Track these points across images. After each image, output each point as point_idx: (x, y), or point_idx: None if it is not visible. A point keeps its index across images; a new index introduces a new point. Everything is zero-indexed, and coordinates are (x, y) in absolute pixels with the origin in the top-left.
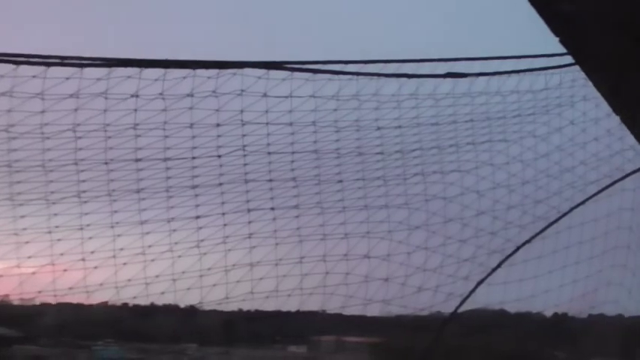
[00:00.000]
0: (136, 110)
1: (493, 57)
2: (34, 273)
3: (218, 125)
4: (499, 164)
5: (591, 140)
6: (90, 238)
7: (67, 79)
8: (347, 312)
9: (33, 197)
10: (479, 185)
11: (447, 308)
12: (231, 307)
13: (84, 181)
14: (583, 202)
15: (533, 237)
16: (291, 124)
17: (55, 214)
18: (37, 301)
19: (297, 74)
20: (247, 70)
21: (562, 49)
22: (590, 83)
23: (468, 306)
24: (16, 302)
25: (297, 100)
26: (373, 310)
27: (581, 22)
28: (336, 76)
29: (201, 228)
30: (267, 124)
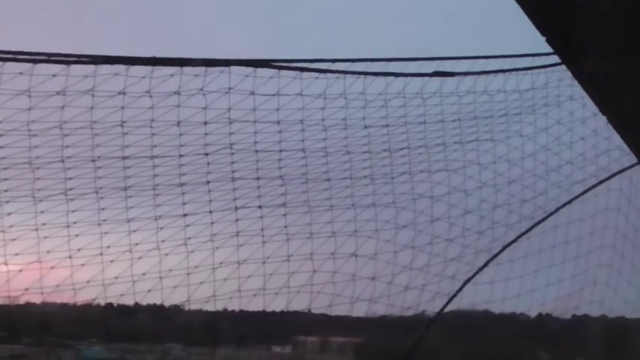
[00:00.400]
0: (122, 108)
1: (480, 56)
2: (20, 270)
3: (205, 123)
4: (486, 163)
5: (578, 140)
6: (77, 235)
7: (54, 76)
8: (332, 312)
9: (19, 195)
10: (466, 184)
11: (434, 307)
12: (216, 306)
13: (71, 178)
14: (569, 202)
15: (519, 236)
16: (278, 122)
17: (42, 212)
18: (22, 301)
19: (284, 72)
20: (235, 68)
21: (549, 49)
22: (576, 83)
23: (453, 306)
24: (0, 301)
25: (284, 99)
26: (358, 311)
27: (567, 22)
28: (323, 75)
29: (188, 226)
30: (254, 122)
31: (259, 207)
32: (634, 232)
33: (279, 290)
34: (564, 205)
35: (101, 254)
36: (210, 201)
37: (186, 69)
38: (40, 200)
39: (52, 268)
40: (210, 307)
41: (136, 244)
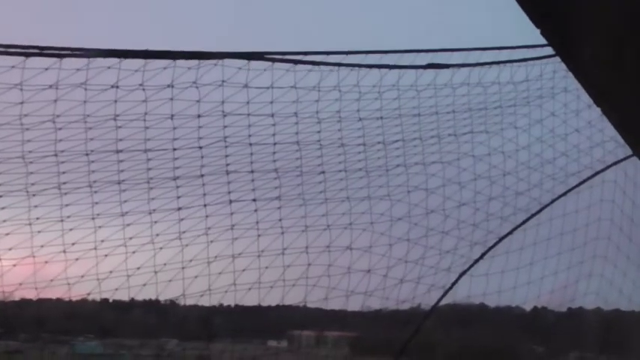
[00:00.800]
0: (116, 101)
1: (474, 48)
2: (14, 265)
3: (199, 116)
4: (480, 155)
5: (572, 132)
6: (71, 229)
7: (46, 69)
8: (328, 306)
9: (12, 189)
10: (460, 177)
11: (429, 300)
12: (212, 301)
13: (64, 172)
14: (564, 194)
15: (514, 229)
16: (272, 115)
17: (36, 206)
18: (17, 297)
19: (277, 65)
20: (228, 61)
21: (543, 41)
22: (570, 74)
23: (448, 299)
24: None
25: (278, 91)
26: (354, 305)
27: (562, 13)
28: (317, 67)
29: (182, 219)
30: (248, 115)
31: (254, 200)
32: (629, 223)
33: (274, 284)
34: (559, 197)
35: (95, 248)
36: (204, 194)
37: (179, 62)
38: (34, 194)
39: (46, 262)
40: (205, 302)
41: (131, 238)
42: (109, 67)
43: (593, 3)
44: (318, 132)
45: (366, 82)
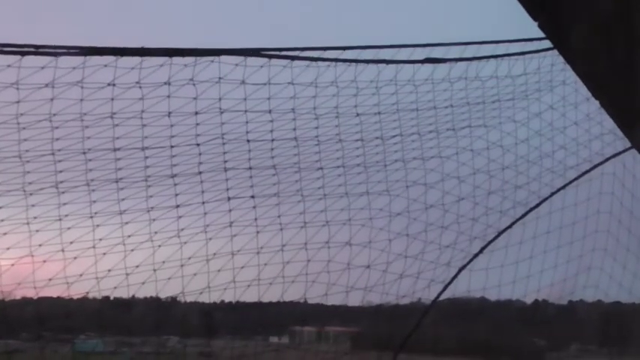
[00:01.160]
0: (112, 99)
1: (471, 42)
2: (12, 265)
3: (196, 113)
4: (479, 149)
5: (571, 125)
6: (69, 228)
7: (42, 68)
8: (328, 302)
9: (10, 188)
10: (459, 171)
11: (429, 295)
12: (212, 298)
13: (61, 171)
14: (563, 187)
15: (513, 222)
16: (269, 111)
17: (33, 205)
18: (18, 296)
19: (274, 61)
20: (224, 58)
21: (540, 34)
22: (568, 67)
23: (448, 293)
24: None
25: (275, 87)
26: (354, 300)
27: (559, 5)
28: (314, 63)
29: (181, 217)
30: (245, 111)
31: (252, 197)
32: (628, 216)
33: (273, 280)
34: (558, 190)
35: (94, 247)
36: (202, 192)
37: (176, 59)
38: (31, 194)
39: (44, 261)
40: (205, 299)
41: (129, 236)
42: (105, 65)
43: None
44: (316, 128)
45: (363, 77)
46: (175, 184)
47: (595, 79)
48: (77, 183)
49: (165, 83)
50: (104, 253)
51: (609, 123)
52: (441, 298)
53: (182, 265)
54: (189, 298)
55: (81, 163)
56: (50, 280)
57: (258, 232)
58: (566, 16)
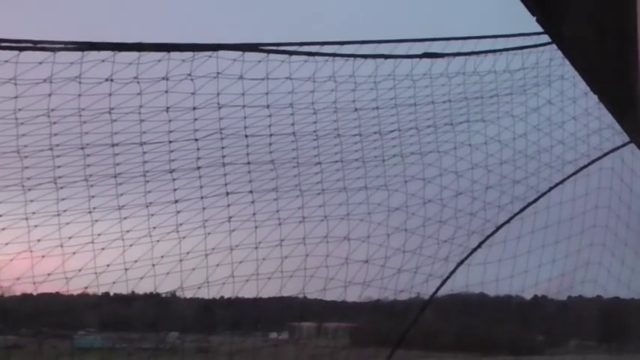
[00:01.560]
0: (110, 94)
1: (469, 37)
2: (11, 260)
3: (194, 108)
4: (477, 144)
5: (569, 119)
6: (67, 223)
7: (40, 63)
8: (327, 297)
9: (8, 184)
10: (457, 166)
11: (427, 290)
12: (212, 294)
13: (60, 166)
14: (561, 182)
15: (512, 217)
16: (267, 106)
17: (31, 201)
18: (17, 292)
19: (272, 56)
20: (222, 53)
21: (539, 28)
22: (567, 62)
23: (447, 289)
24: None
25: (273, 83)
26: (353, 296)
27: (557, 1)
28: (312, 58)
29: (179, 212)
30: (243, 106)
31: (250, 192)
32: (627, 210)
33: (272, 275)
34: (556, 185)
35: (92, 242)
36: (201, 187)
37: (174, 54)
38: (29, 189)
39: (42, 257)
40: (205, 294)
41: (128, 231)
42: (102, 61)
43: None
44: (314, 123)
45: (361, 72)
46: (174, 179)
47: (593, 74)
48: (76, 178)
49: (162, 78)
50: (103, 248)
51: (608, 118)
52: (440, 293)
53: (181, 260)
54: (188, 293)
55: (79, 159)
56: (49, 275)
57: (256, 227)
58: (564, 10)
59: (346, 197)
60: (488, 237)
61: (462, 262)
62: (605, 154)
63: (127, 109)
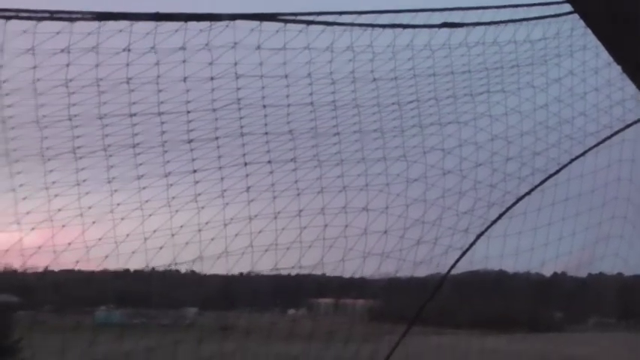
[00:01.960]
0: (128, 65)
1: (489, 6)
2: (32, 229)
3: (212, 79)
4: (497, 115)
5: (591, 90)
6: (87, 193)
7: (58, 33)
8: (345, 274)
9: (28, 154)
10: (477, 137)
11: (447, 262)
12: (231, 270)
13: (78, 136)
14: (583, 154)
15: (532, 189)
16: (285, 76)
17: (51, 171)
18: (40, 268)
19: (290, 26)
20: (240, 23)
21: None
22: (589, 32)
23: (466, 263)
24: (19, 270)
25: (291, 52)
26: (371, 270)
27: None
28: (330, 27)
29: (198, 182)
30: (261, 76)
31: (269, 162)
32: None
33: (290, 245)
34: (577, 157)
35: (112, 212)
36: (219, 157)
37: (191, 24)
38: (49, 159)
39: (63, 226)
40: (223, 271)
41: (147, 201)
42: (120, 31)
43: None
44: (333, 93)
45: (379, 42)
46: (192, 150)
47: (616, 44)
48: (94, 148)
49: (180, 48)
50: (122, 218)
51: (631, 88)
52: (459, 271)
53: (200, 230)
54: (208, 264)
55: (98, 129)
56: (70, 244)
57: (275, 198)
58: None
59: (365, 168)
60: (508, 209)
61: (481, 233)
62: (628, 126)
63: (144, 79)
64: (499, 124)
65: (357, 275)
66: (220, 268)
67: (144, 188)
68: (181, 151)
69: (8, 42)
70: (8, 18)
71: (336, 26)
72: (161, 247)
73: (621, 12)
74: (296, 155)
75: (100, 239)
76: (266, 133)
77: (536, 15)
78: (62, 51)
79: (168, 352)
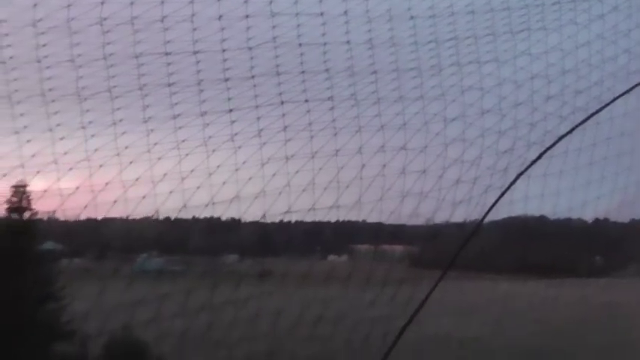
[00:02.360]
0: (163, 2)
1: None
2: (70, 169)
3: (247, 17)
4: (537, 54)
5: (635, 27)
6: (123, 133)
7: None
8: (386, 221)
9: (64, 93)
10: (516, 76)
11: (487, 202)
12: (271, 218)
13: (114, 76)
14: (627, 92)
15: (573, 128)
16: (321, 14)
17: (87, 110)
18: (83, 216)
19: None
20: None
21: None
22: None
23: (507, 211)
24: (61, 217)
25: None
26: (412, 218)
27: None
28: None
29: (234, 122)
30: (296, 14)
31: (306, 101)
32: None
33: (328, 184)
34: (620, 95)
35: (149, 151)
36: (255, 96)
37: None
38: (85, 99)
39: (100, 166)
40: (264, 219)
41: (183, 140)
42: None
43: None
44: (369, 31)
45: None
46: (228, 89)
47: None
48: (130, 87)
49: None
50: (159, 158)
51: None
52: (500, 217)
53: (237, 170)
54: (244, 205)
55: (133, 68)
56: (107, 184)
57: (312, 137)
58: None
59: (402, 107)
60: (548, 148)
61: (521, 173)
62: None
63: (179, 17)
64: (539, 62)
65: (395, 216)
66: (259, 213)
67: (180, 128)
68: (217, 90)
69: None
70: None
71: None
72: (198, 187)
73: None
74: (333, 94)
75: (137, 179)
76: (302, 72)
77: None
78: None
79: (205, 294)
